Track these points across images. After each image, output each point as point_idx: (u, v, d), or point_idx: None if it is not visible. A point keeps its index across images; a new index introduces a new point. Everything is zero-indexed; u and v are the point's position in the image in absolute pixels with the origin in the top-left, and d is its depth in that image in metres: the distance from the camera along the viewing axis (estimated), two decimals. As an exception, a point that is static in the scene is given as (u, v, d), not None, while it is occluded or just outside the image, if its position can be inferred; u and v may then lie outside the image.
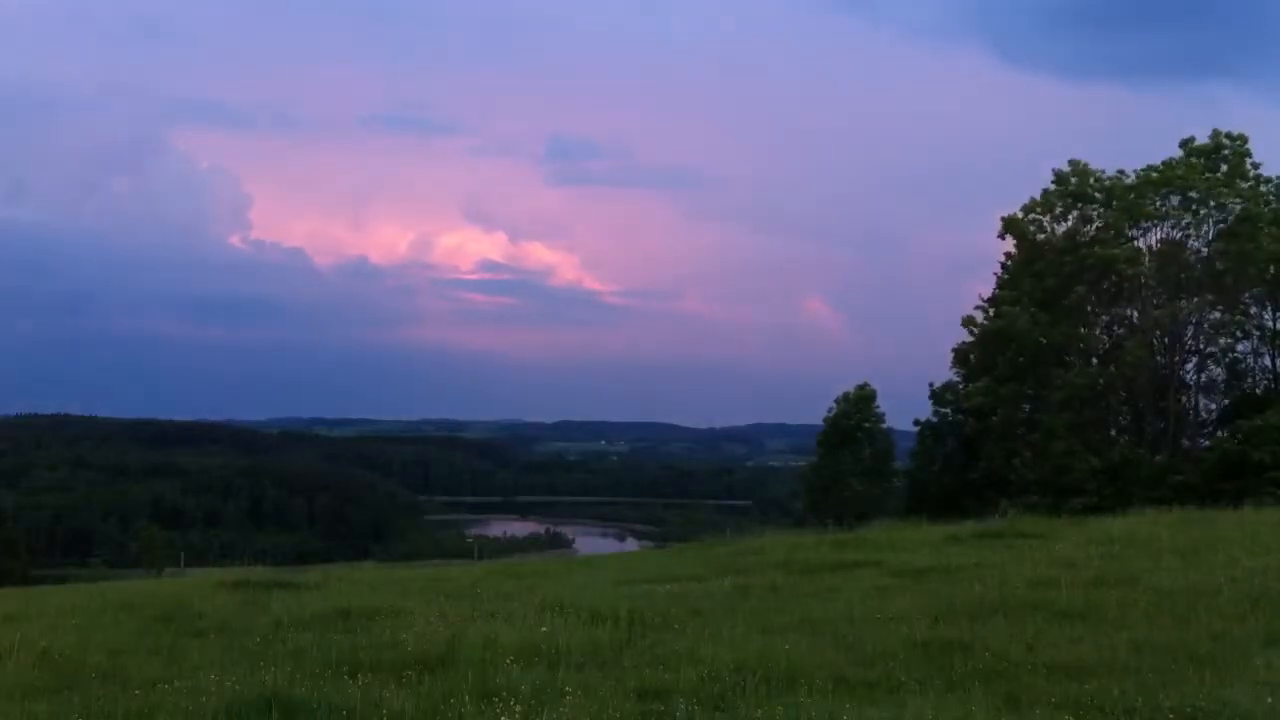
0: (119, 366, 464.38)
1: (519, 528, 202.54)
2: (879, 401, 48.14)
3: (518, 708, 8.45)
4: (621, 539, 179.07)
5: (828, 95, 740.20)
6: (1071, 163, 41.26)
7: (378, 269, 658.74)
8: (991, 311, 41.73)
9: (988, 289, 42.94)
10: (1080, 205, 40.94)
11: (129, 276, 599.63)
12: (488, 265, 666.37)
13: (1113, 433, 40.71)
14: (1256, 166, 39.81)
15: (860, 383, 48.05)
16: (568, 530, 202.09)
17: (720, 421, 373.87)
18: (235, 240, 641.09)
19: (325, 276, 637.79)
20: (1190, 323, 39.37)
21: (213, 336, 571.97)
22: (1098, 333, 41.24)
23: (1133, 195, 39.71)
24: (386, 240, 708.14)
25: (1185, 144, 40.15)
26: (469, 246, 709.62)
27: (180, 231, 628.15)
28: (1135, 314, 40.42)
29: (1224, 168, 39.78)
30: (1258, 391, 39.43)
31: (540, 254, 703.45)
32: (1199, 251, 39.99)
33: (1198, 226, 39.70)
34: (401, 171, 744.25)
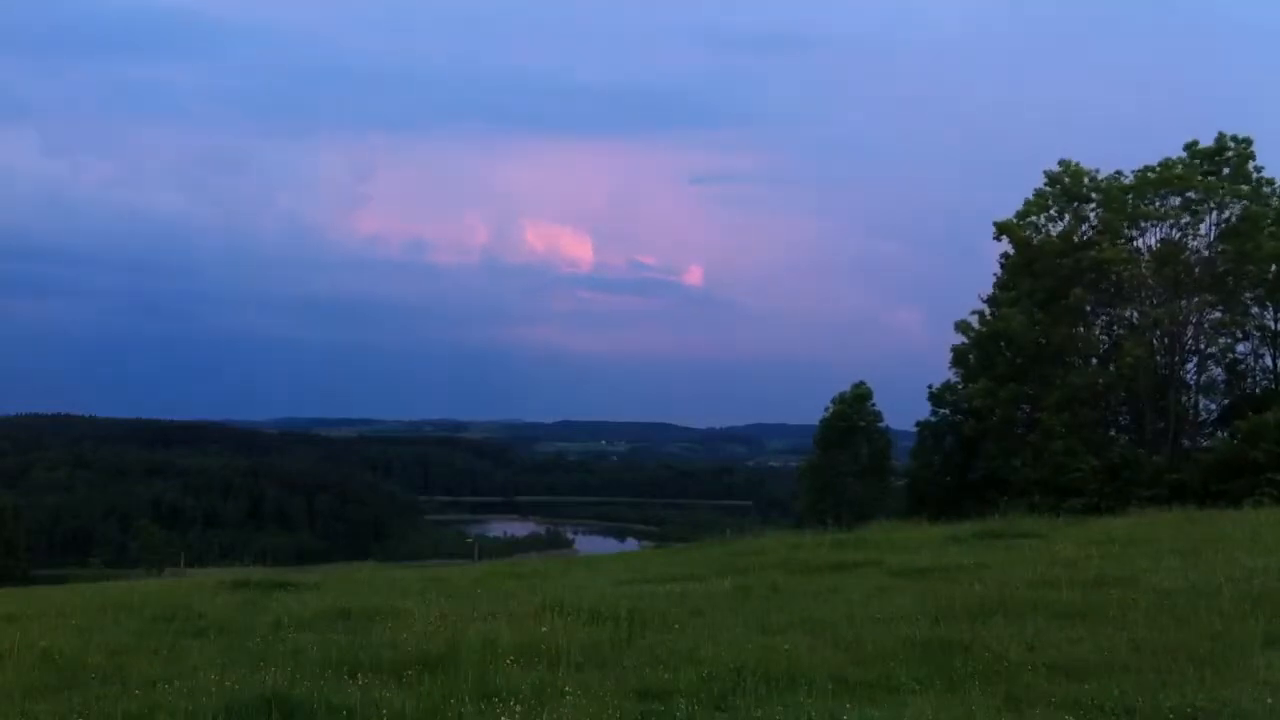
0: (122, 366, 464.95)
1: (519, 528, 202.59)
2: (883, 402, 48.32)
3: (518, 708, 8.44)
4: (621, 539, 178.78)
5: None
6: (1062, 163, 41.28)
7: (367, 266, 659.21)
8: (989, 312, 41.73)
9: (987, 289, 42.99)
10: (1075, 204, 40.93)
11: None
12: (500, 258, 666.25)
13: (1112, 433, 40.72)
14: (1259, 169, 39.90)
15: (856, 381, 48.25)
16: (568, 530, 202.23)
17: (720, 421, 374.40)
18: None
19: (334, 273, 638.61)
20: (1190, 323, 39.37)
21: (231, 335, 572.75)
22: (1097, 333, 41.24)
23: (1130, 195, 39.73)
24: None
25: (1189, 146, 40.18)
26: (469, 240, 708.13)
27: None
28: (1135, 314, 40.41)
29: (1226, 170, 39.79)
30: (1258, 391, 39.43)
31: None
32: (1199, 251, 40.00)
33: (1196, 226, 39.72)
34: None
